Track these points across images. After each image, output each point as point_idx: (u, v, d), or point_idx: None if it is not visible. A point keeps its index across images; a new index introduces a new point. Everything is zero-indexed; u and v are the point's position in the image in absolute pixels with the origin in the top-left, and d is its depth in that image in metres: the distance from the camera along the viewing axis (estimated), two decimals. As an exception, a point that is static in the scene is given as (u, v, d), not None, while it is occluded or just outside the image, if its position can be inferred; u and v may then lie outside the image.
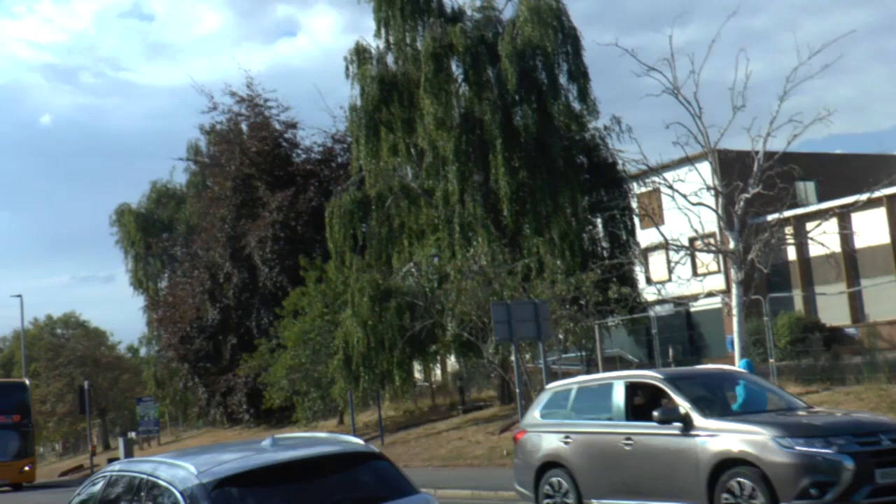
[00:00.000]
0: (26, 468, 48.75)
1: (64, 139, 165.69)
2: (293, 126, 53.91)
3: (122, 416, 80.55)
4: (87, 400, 51.84)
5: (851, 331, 43.63)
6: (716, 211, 27.61)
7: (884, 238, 48.79)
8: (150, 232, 65.85)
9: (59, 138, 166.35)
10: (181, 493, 8.15)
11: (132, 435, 62.00)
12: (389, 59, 37.37)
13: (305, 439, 10.36)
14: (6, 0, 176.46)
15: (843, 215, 43.13)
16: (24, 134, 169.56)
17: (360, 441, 9.72)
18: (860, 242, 48.39)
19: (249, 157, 51.82)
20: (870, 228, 48.31)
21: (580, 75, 34.91)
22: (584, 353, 35.62)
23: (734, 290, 26.41)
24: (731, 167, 28.02)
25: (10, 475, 48.18)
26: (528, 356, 32.61)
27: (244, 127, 54.05)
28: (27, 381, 55.96)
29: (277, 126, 53.65)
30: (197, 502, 8.01)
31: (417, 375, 43.61)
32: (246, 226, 50.97)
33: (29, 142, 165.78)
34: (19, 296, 69.30)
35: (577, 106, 35.27)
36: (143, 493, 8.71)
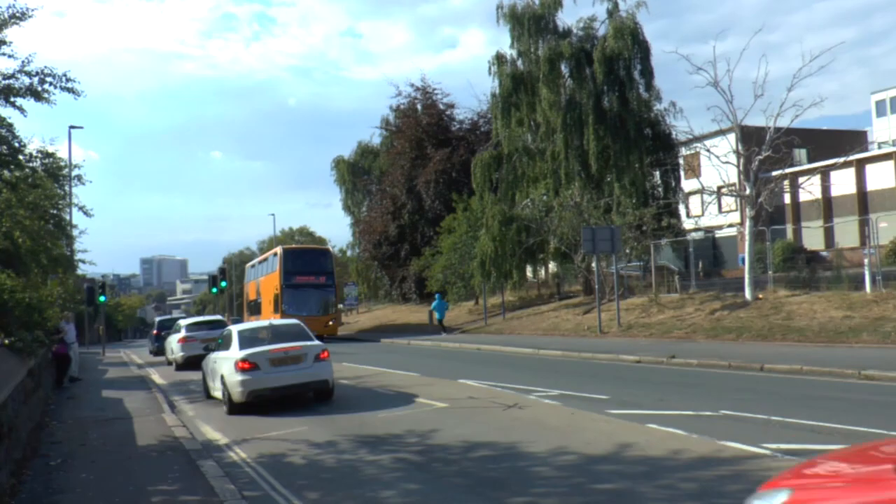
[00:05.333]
0: (330, 322, 41.08)
1: (303, 114, 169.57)
2: (451, 106, 53.56)
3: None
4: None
5: (825, 254, 42.28)
6: (737, 167, 27.10)
7: (851, 189, 47.24)
8: (356, 175, 66.34)
9: (300, 113, 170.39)
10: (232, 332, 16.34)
11: (340, 306, 63.59)
12: (519, 62, 36.83)
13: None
14: (270, 25, 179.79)
15: (825, 173, 41.89)
16: (278, 110, 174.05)
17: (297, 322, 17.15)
18: (835, 192, 47.01)
19: (422, 126, 51.66)
20: (843, 182, 46.86)
21: (648, 73, 34.02)
22: (641, 263, 35.22)
23: (747, 223, 25.93)
24: (750, 137, 27.33)
25: (316, 328, 39.26)
26: (603, 264, 32.38)
27: (419, 107, 53.94)
28: (330, 248, 47.59)
29: (441, 106, 53.29)
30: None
31: (528, 274, 43.49)
32: (417, 172, 51.24)
33: (281, 116, 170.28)
34: (272, 214, 72.13)
35: (645, 94, 34.37)
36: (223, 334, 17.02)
